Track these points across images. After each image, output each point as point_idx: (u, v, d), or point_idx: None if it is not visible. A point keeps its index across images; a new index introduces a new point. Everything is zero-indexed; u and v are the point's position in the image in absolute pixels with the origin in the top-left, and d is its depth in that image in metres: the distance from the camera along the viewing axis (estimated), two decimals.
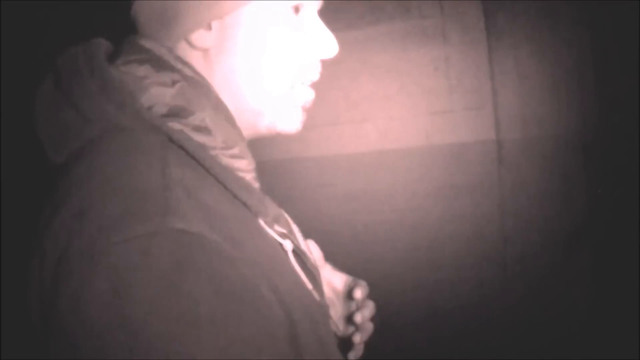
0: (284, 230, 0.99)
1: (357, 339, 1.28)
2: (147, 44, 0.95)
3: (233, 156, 0.92)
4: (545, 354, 2.90)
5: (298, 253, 0.99)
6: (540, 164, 2.91)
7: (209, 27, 0.92)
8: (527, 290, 3.00)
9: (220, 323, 0.69)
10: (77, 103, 0.86)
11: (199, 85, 0.92)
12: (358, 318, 1.26)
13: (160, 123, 0.86)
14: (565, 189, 2.76)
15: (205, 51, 0.94)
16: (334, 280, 1.35)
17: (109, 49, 0.98)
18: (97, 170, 0.81)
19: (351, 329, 1.33)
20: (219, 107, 0.93)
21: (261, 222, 0.94)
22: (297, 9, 0.98)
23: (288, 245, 0.96)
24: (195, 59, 0.95)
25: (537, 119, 2.96)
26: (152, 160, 0.81)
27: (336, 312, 1.35)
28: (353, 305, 1.34)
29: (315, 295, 1.01)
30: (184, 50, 0.95)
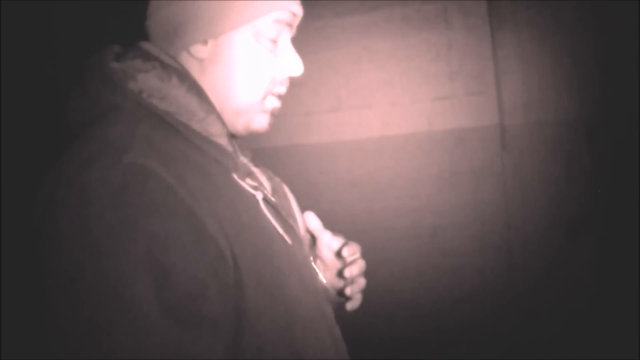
0: (255, 184, 1.22)
1: (348, 291, 1.44)
2: (144, 45, 1.23)
3: (205, 124, 1.17)
4: (547, 341, 2.89)
5: (270, 203, 1.23)
6: (543, 149, 2.90)
7: (205, 43, 1.21)
8: (531, 276, 3.00)
9: (152, 233, 0.93)
10: (86, 89, 1.16)
11: (175, 71, 1.18)
12: (347, 273, 1.41)
13: (141, 100, 1.13)
14: (568, 174, 2.75)
15: (200, 61, 1.22)
16: (332, 243, 1.50)
17: (119, 51, 1.24)
18: (89, 132, 1.09)
19: (343, 283, 1.50)
20: (192, 88, 1.18)
21: (234, 176, 1.18)
22: (276, 37, 1.25)
23: (259, 195, 1.20)
24: (192, 65, 1.22)
25: (539, 104, 2.95)
26: (129, 122, 1.08)
27: (332, 270, 1.54)
28: (342, 263, 1.51)
29: (287, 238, 1.22)
30: (184, 58, 1.23)
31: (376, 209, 3.35)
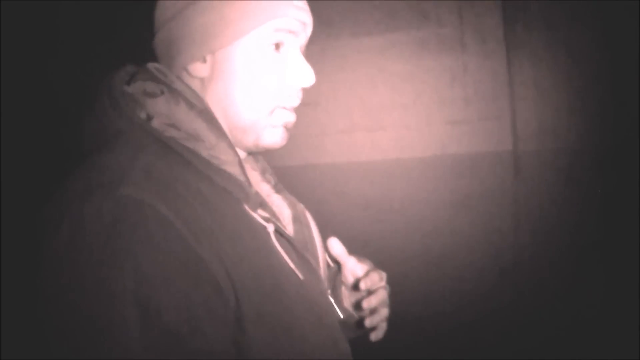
0: (267, 215, 1.16)
1: (367, 322, 1.40)
2: (153, 67, 1.19)
3: (215, 151, 1.12)
4: None
5: (284, 235, 1.17)
6: (556, 176, 2.90)
7: (204, 60, 1.16)
8: (540, 301, 2.98)
9: (142, 268, 0.92)
10: (97, 113, 1.14)
11: (184, 95, 1.14)
12: (365, 304, 1.36)
13: (148, 126, 1.10)
14: (580, 201, 2.74)
15: (201, 79, 1.17)
16: (356, 270, 1.45)
17: (133, 71, 1.20)
18: (91, 159, 1.07)
19: (363, 313, 1.45)
20: (202, 113, 1.13)
21: (245, 207, 1.13)
22: (277, 46, 1.18)
23: (270, 227, 1.14)
24: (194, 85, 1.18)
25: (554, 130, 2.94)
26: (131, 150, 1.05)
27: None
28: (360, 293, 1.46)
29: (298, 273, 1.16)
30: (186, 78, 1.18)
31: (387, 230, 3.34)
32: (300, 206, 1.38)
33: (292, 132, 1.24)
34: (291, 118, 1.23)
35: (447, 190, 3.30)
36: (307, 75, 1.22)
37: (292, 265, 1.16)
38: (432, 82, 3.35)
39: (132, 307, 0.90)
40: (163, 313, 0.92)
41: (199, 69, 1.16)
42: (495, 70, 3.25)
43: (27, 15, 2.99)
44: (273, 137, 1.22)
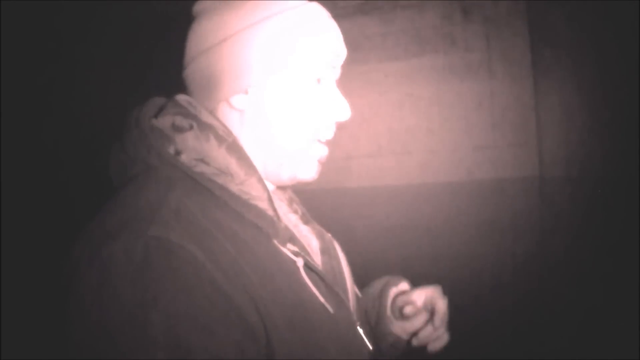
0: (296, 249, 1.16)
1: (414, 342, 1.46)
2: (182, 100, 1.19)
3: (245, 186, 1.12)
4: None
5: (313, 269, 1.18)
6: (582, 203, 2.87)
7: (247, 92, 1.16)
8: (566, 329, 2.96)
9: (172, 311, 0.90)
10: (125, 148, 1.14)
11: (213, 129, 1.14)
12: (408, 328, 1.46)
13: (177, 162, 1.10)
14: (606, 230, 2.72)
15: (241, 112, 1.18)
16: (413, 296, 1.50)
17: (161, 104, 1.22)
18: (120, 196, 1.07)
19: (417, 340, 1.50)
20: (233, 147, 1.13)
21: (275, 242, 1.13)
22: (319, 80, 1.21)
23: (299, 262, 1.15)
24: (232, 117, 1.19)
25: (580, 156, 2.92)
26: (160, 187, 1.06)
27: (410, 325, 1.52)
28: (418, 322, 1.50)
29: (328, 307, 1.16)
30: (223, 110, 1.19)
31: (412, 256, 3.33)
32: (328, 236, 1.39)
33: (325, 160, 1.26)
34: (325, 152, 1.26)
35: (473, 216, 3.29)
36: (344, 110, 1.24)
37: (322, 299, 1.16)
38: (459, 107, 3.35)
39: (162, 351, 0.90)
40: (193, 356, 0.91)
41: (241, 101, 1.16)
42: (522, 96, 3.25)
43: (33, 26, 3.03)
44: (308, 171, 1.24)
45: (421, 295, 1.52)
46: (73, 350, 0.94)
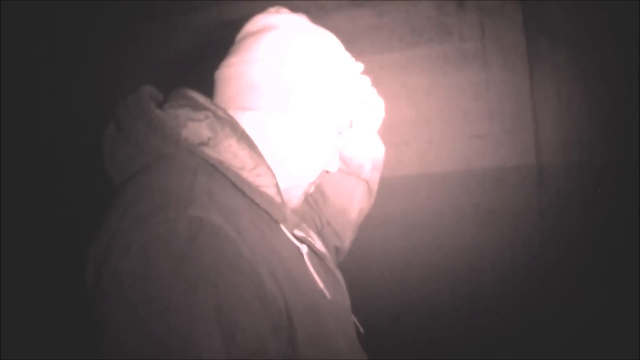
0: (303, 235, 1.23)
1: None
2: (191, 93, 1.24)
3: (257, 175, 1.17)
4: None
5: (317, 254, 1.25)
6: (581, 190, 2.88)
7: (287, 112, 1.23)
8: (566, 316, 2.96)
9: (220, 288, 0.94)
10: (130, 138, 1.15)
11: (226, 121, 1.19)
12: None
13: (194, 149, 1.14)
14: (605, 216, 2.72)
15: (272, 126, 1.24)
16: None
17: (154, 93, 1.26)
18: (142, 181, 1.09)
19: None
20: (243, 137, 1.18)
21: (282, 227, 1.20)
22: (340, 133, 1.33)
23: (303, 248, 1.21)
24: (248, 116, 1.24)
25: (578, 144, 2.92)
26: (185, 172, 1.08)
27: None
28: None
29: (326, 293, 1.22)
30: (250, 117, 1.24)
31: (411, 246, 3.33)
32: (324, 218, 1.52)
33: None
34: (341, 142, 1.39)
35: (471, 205, 3.29)
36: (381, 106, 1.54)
37: (321, 285, 1.22)
38: (455, 97, 3.35)
39: (216, 330, 0.92)
40: (242, 334, 0.94)
41: (278, 119, 1.24)
42: (517, 84, 3.25)
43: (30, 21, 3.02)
44: (333, 164, 1.36)
45: None
46: (119, 336, 0.93)
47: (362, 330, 1.43)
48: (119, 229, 0.99)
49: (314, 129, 1.27)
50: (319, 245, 1.36)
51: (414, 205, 3.37)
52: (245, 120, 1.23)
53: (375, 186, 1.72)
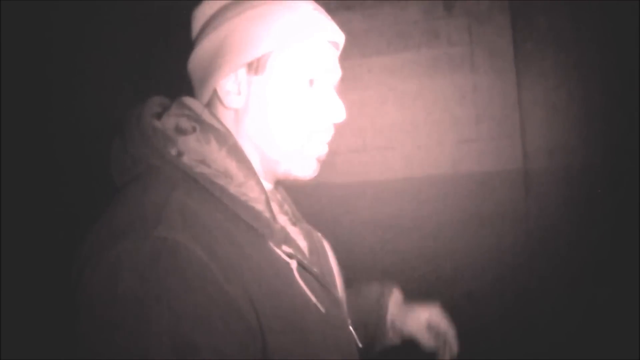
0: (291, 250, 1.18)
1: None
2: (187, 102, 1.23)
3: (244, 188, 1.15)
4: None
5: (307, 269, 1.20)
6: (567, 194, 2.89)
7: (239, 92, 1.20)
8: (553, 320, 2.97)
9: (176, 310, 0.93)
10: (127, 147, 1.16)
11: (215, 132, 1.17)
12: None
13: (179, 163, 1.12)
14: (591, 220, 2.73)
15: (236, 111, 1.22)
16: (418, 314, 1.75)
17: (162, 102, 1.26)
18: (122, 197, 1.10)
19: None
20: (233, 150, 1.17)
21: (270, 243, 1.15)
22: (311, 82, 1.23)
23: (293, 264, 1.16)
24: (227, 117, 1.22)
25: (564, 149, 2.94)
26: (163, 188, 1.08)
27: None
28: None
29: (320, 307, 1.18)
30: (219, 109, 1.23)
31: (398, 250, 3.34)
32: (317, 235, 1.42)
33: (324, 157, 1.29)
34: (324, 151, 1.30)
35: (458, 209, 3.30)
36: (339, 112, 1.28)
37: (314, 299, 1.18)
38: (443, 101, 3.36)
39: (170, 351, 0.92)
40: (198, 354, 0.93)
41: (234, 100, 1.20)
42: (505, 89, 3.26)
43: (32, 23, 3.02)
44: (305, 169, 1.28)
45: (424, 315, 1.76)
46: (82, 347, 0.96)
47: (360, 345, 1.40)
48: (93, 246, 1.01)
49: (288, 93, 1.22)
50: (314, 257, 1.33)
51: (400, 209, 3.38)
52: (226, 116, 1.23)
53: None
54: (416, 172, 3.40)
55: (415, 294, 3.27)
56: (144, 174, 1.13)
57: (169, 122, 1.18)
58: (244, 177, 1.15)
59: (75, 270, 1.03)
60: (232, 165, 1.15)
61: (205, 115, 1.20)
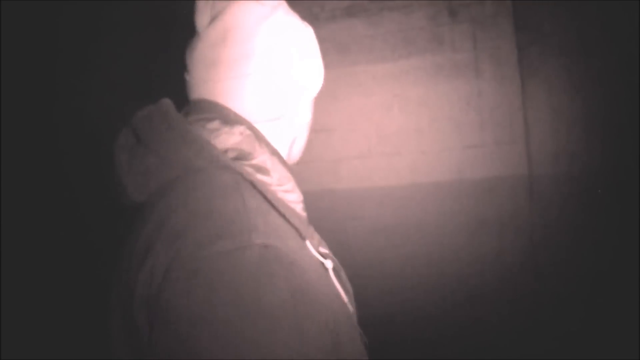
0: (327, 251, 1.22)
1: None
2: (219, 106, 1.21)
3: (286, 191, 1.17)
4: None
5: (337, 271, 1.22)
6: (572, 200, 2.89)
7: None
8: (558, 326, 2.97)
9: (299, 317, 0.92)
10: (158, 151, 1.11)
11: (259, 136, 1.19)
12: None
13: (230, 163, 1.10)
14: (596, 226, 2.74)
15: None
16: None
17: (175, 106, 1.23)
18: (188, 200, 1.04)
19: None
20: (275, 153, 1.20)
21: (308, 243, 1.15)
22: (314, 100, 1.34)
23: (329, 264, 1.18)
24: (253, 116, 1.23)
25: (569, 154, 2.94)
26: (231, 192, 1.04)
27: None
28: None
29: (349, 307, 1.22)
30: (246, 106, 1.23)
31: (403, 255, 3.34)
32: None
33: (308, 157, 1.33)
34: None
35: (463, 215, 3.30)
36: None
37: (345, 299, 1.21)
38: (447, 107, 3.36)
39: (295, 353, 0.91)
40: (321, 355, 0.96)
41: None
42: (509, 95, 3.26)
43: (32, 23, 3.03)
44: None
45: None
46: None
47: (366, 340, 1.39)
48: (178, 255, 0.95)
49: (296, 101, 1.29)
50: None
51: (405, 215, 3.38)
52: (266, 129, 1.25)
53: None
54: (421, 177, 3.40)
55: (419, 299, 3.28)
56: (185, 176, 1.09)
57: (204, 123, 1.18)
58: (286, 179, 1.19)
59: (144, 287, 0.97)
60: (277, 167, 1.19)
61: (238, 118, 1.20)
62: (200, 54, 1.22)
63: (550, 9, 2.98)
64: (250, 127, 1.19)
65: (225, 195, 1.04)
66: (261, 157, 1.16)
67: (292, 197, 1.18)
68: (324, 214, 3.34)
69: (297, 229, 1.12)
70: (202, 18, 1.23)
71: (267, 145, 1.19)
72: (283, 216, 1.10)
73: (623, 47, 2.37)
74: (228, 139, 1.15)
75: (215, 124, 1.17)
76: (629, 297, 2.73)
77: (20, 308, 2.59)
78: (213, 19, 1.22)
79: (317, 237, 1.22)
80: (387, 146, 3.43)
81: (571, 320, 2.92)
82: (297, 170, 1.34)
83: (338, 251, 1.47)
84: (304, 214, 1.20)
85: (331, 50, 3.26)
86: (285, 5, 1.31)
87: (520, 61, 3.25)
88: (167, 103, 1.19)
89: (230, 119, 1.18)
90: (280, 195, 1.15)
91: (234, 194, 1.04)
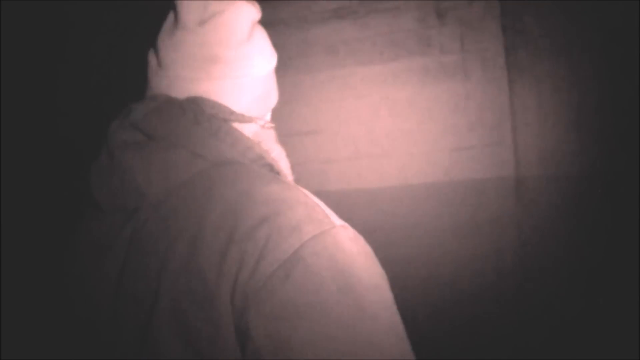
0: None
1: None
2: (218, 102, 1.24)
3: (287, 177, 1.25)
4: None
5: None
6: (559, 202, 2.90)
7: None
8: (547, 327, 2.98)
9: (389, 295, 1.01)
10: (186, 144, 1.14)
11: (270, 131, 1.29)
12: None
13: (256, 157, 1.19)
14: (584, 227, 2.74)
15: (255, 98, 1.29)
16: None
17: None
18: (251, 189, 1.05)
19: None
20: (279, 143, 1.29)
21: None
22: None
23: None
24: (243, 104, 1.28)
25: (557, 156, 2.95)
26: (283, 184, 1.09)
27: None
28: None
29: None
30: (241, 97, 1.28)
31: (393, 258, 3.33)
32: None
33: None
34: None
35: (451, 216, 3.31)
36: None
37: None
38: (436, 109, 3.37)
39: (392, 333, 0.99)
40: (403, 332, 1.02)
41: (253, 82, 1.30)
42: (497, 97, 3.27)
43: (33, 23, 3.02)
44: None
45: None
46: (320, 349, 0.92)
47: None
48: (271, 240, 0.97)
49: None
50: None
51: (394, 217, 3.38)
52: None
53: None
54: (410, 179, 3.40)
55: (409, 301, 3.27)
56: (210, 169, 1.13)
57: (224, 120, 1.22)
58: (289, 170, 1.28)
59: (250, 279, 0.96)
60: (282, 155, 1.28)
61: (255, 117, 1.28)
62: (190, 51, 1.24)
63: (538, 11, 2.99)
64: (258, 124, 1.27)
65: (276, 183, 1.08)
66: (275, 148, 1.26)
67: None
68: None
69: None
70: (191, 16, 1.24)
71: (274, 136, 1.30)
72: None
73: (612, 48, 2.38)
74: (246, 136, 1.21)
75: (232, 119, 1.24)
76: (628, 295, 2.74)
77: (20, 308, 2.59)
78: (210, 17, 1.23)
79: None
80: (376, 148, 3.44)
81: (561, 321, 2.93)
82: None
83: None
84: None
85: (319, 52, 3.26)
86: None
87: (508, 63, 3.26)
88: (174, 99, 1.22)
89: (245, 116, 1.25)
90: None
91: (281, 183, 1.10)
